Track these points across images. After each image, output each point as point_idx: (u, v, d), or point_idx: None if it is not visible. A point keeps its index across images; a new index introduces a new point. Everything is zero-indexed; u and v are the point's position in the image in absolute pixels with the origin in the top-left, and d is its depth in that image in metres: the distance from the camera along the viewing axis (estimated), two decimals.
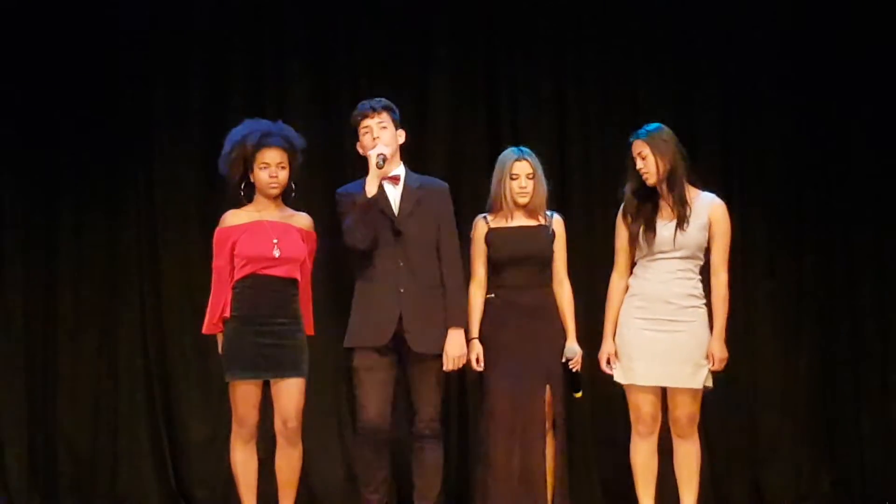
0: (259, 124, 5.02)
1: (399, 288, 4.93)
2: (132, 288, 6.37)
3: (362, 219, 4.88)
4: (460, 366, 5.02)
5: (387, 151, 4.92)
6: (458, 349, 4.98)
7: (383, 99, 5.07)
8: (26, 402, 6.24)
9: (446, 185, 5.17)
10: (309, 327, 5.05)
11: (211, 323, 4.98)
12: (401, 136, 5.07)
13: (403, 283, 4.94)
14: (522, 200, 5.12)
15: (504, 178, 5.12)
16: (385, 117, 5.01)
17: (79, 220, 6.37)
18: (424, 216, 5.00)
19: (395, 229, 4.96)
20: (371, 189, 4.89)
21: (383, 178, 4.98)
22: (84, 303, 6.35)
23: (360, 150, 5.07)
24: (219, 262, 4.97)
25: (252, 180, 4.98)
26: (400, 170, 5.06)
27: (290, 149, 4.98)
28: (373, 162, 4.90)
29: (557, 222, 5.19)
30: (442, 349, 4.95)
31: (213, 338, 5.09)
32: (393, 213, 4.98)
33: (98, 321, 6.35)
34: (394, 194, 5.02)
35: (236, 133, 4.99)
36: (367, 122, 5.00)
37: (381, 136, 4.97)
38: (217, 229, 5.01)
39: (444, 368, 4.97)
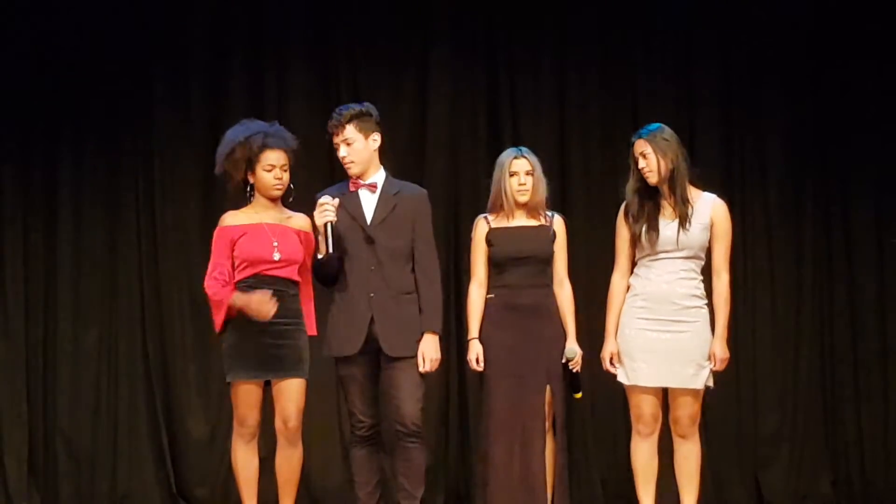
0: (258, 125, 4.98)
1: (369, 293, 4.91)
2: (132, 288, 6.37)
3: (322, 271, 4.91)
4: (435, 368, 4.98)
5: (332, 218, 4.81)
6: (435, 352, 4.95)
7: (352, 106, 4.98)
8: (26, 402, 6.24)
9: (425, 191, 5.12)
10: (311, 328, 5.03)
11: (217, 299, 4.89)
12: (375, 140, 4.98)
13: (374, 289, 4.91)
14: (522, 198, 5.11)
15: (503, 176, 5.11)
16: (350, 131, 4.92)
17: (78, 220, 6.37)
18: (399, 223, 4.96)
19: (368, 236, 4.94)
20: (322, 250, 4.86)
21: (360, 187, 4.96)
22: (84, 302, 6.34)
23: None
24: (218, 258, 4.92)
25: (251, 181, 4.98)
26: (378, 176, 5.02)
27: (290, 150, 4.97)
28: (319, 222, 4.84)
29: (559, 223, 5.17)
30: (416, 351, 4.93)
31: (213, 337, 5.08)
32: (365, 222, 4.95)
33: (98, 321, 6.35)
34: (369, 201, 4.99)
35: (237, 133, 4.95)
36: (334, 139, 4.96)
37: (347, 155, 4.92)
38: (216, 229, 4.98)
39: (420, 370, 4.93)
